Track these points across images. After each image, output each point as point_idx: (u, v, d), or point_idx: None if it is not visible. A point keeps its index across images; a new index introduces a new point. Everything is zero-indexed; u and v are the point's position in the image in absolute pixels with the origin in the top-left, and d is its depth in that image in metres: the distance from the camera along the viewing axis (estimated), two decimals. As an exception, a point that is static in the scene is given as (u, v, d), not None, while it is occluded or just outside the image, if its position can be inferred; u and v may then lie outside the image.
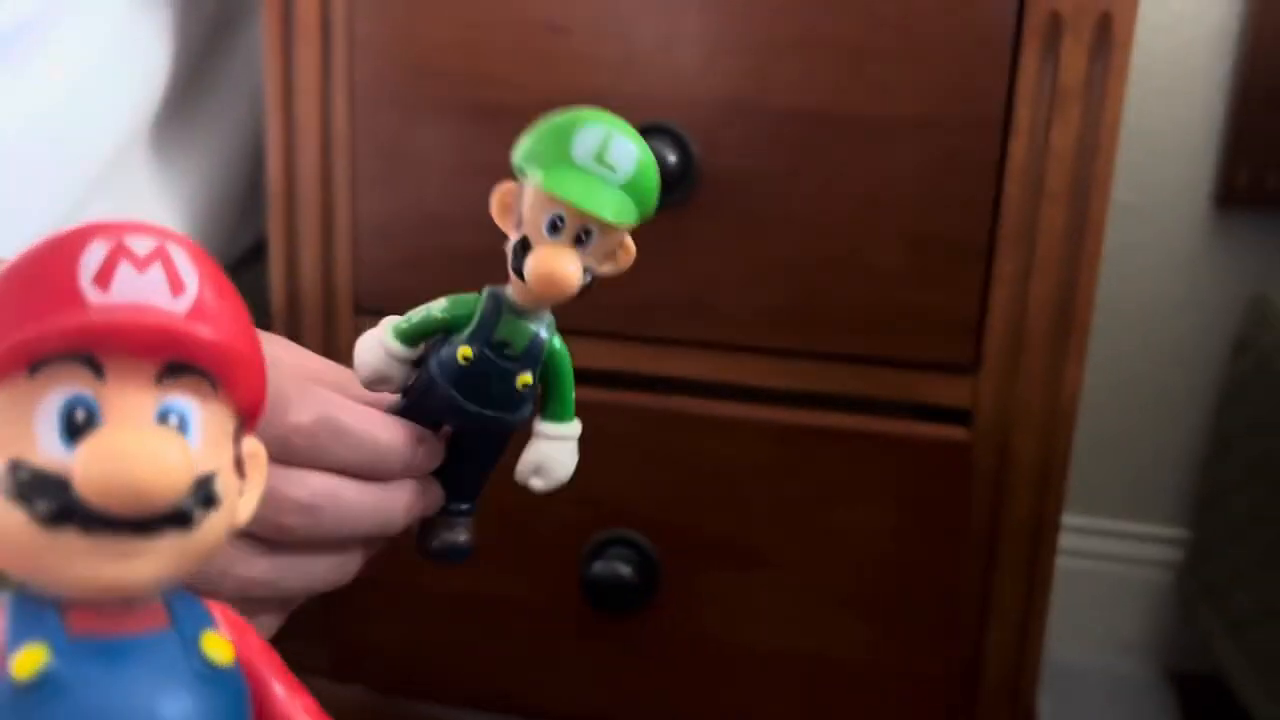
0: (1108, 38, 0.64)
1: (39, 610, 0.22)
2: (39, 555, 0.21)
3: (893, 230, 0.66)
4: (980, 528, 0.69)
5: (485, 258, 0.71)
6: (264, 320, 0.85)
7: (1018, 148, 0.65)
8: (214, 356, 0.22)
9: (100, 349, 0.21)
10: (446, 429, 0.42)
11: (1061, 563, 1.12)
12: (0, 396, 0.21)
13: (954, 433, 0.66)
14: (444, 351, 0.40)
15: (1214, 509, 1.02)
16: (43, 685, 0.20)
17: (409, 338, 0.40)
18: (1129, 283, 1.09)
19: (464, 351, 0.39)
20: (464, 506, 0.44)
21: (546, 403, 0.41)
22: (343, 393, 0.40)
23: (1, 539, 0.21)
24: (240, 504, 0.23)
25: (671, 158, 0.66)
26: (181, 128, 0.77)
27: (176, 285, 0.22)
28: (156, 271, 0.22)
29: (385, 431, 0.40)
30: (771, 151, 0.67)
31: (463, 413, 0.39)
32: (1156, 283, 1.09)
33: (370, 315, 0.74)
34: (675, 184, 0.67)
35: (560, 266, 0.36)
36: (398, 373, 0.41)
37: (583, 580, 0.69)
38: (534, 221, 0.37)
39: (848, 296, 0.67)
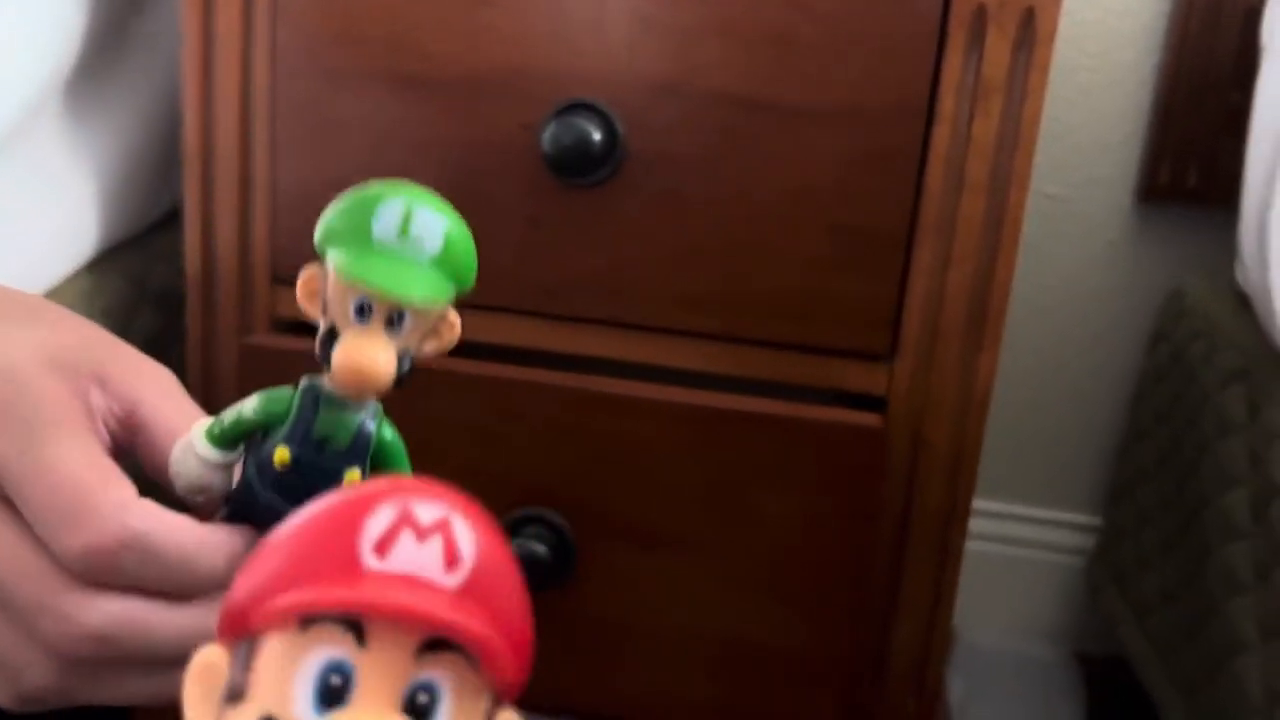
0: (1031, 32, 0.64)
1: None
2: None
3: (815, 218, 0.66)
4: (892, 513, 0.70)
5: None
6: (179, 287, 0.84)
7: (940, 139, 0.66)
8: (475, 642, 0.22)
9: (369, 618, 0.22)
10: None
11: (977, 547, 1.15)
12: (272, 648, 0.22)
13: (869, 419, 0.67)
14: (261, 454, 0.36)
15: (1125, 497, 1.04)
16: None
17: (223, 441, 0.37)
18: (1052, 273, 1.10)
19: (280, 455, 0.36)
20: None
21: None
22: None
23: None
24: None
25: (598, 136, 0.66)
26: (97, 88, 0.75)
27: (452, 560, 0.22)
28: (435, 544, 0.22)
29: (201, 547, 0.35)
30: (697, 134, 0.66)
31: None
32: (1079, 274, 1.11)
33: (288, 285, 0.73)
34: (600, 162, 0.66)
35: (368, 357, 0.33)
36: (218, 481, 0.37)
37: (496, 558, 0.69)
38: (340, 307, 0.33)
39: (768, 282, 0.68)
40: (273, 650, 0.22)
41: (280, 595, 0.22)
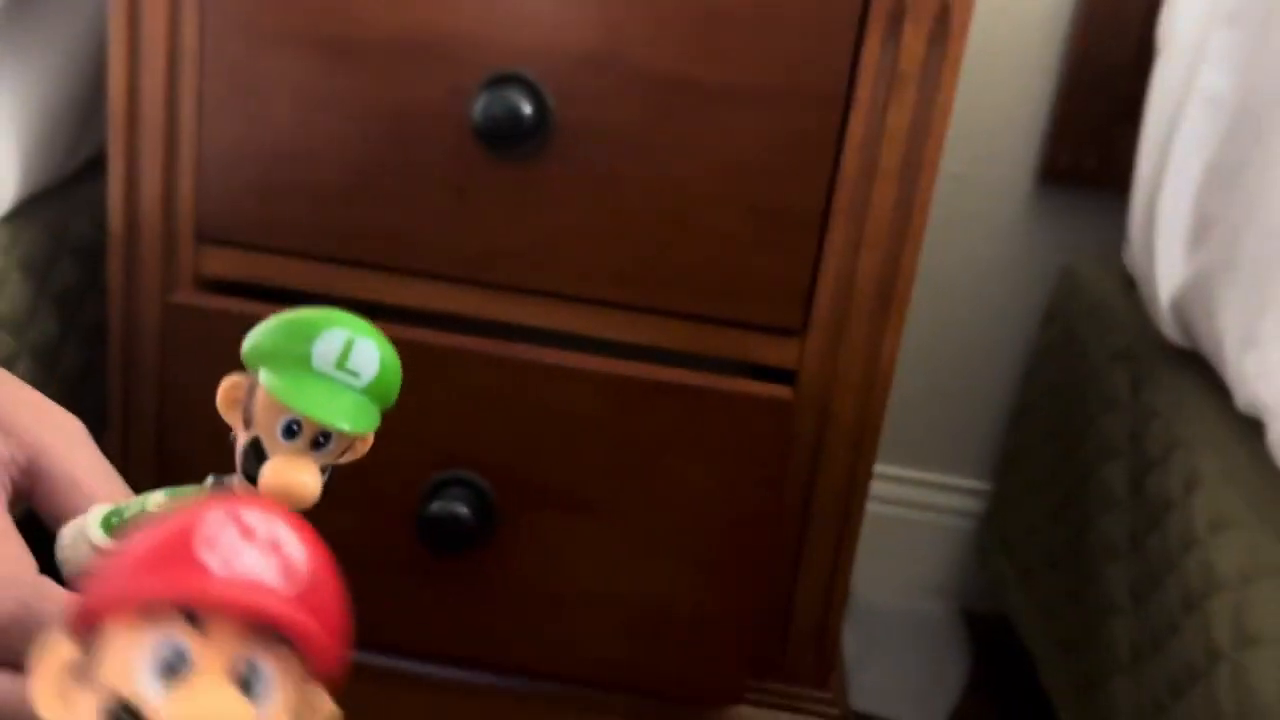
0: (946, 27, 0.67)
1: None
2: None
3: (736, 197, 0.69)
4: (798, 481, 0.74)
5: (332, 194, 0.71)
6: (100, 240, 0.83)
7: (856, 125, 0.68)
8: (303, 637, 0.25)
9: (208, 612, 0.25)
10: None
11: (873, 509, 1.20)
12: (117, 631, 0.25)
13: (779, 391, 0.70)
14: None
15: (1014, 466, 1.10)
16: None
17: (121, 532, 0.37)
18: (953, 249, 1.15)
19: None
20: None
21: None
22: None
23: None
24: None
25: (528, 109, 0.67)
26: (15, 34, 0.74)
27: (287, 569, 0.25)
28: (265, 549, 0.25)
29: None
30: (625, 109, 0.68)
31: None
32: (978, 251, 1.15)
33: (213, 245, 0.73)
34: (529, 134, 0.68)
35: (299, 481, 0.34)
36: None
37: (419, 519, 0.71)
38: (268, 425, 0.34)
39: (689, 257, 0.70)
40: (116, 636, 0.25)
41: (125, 592, 0.25)
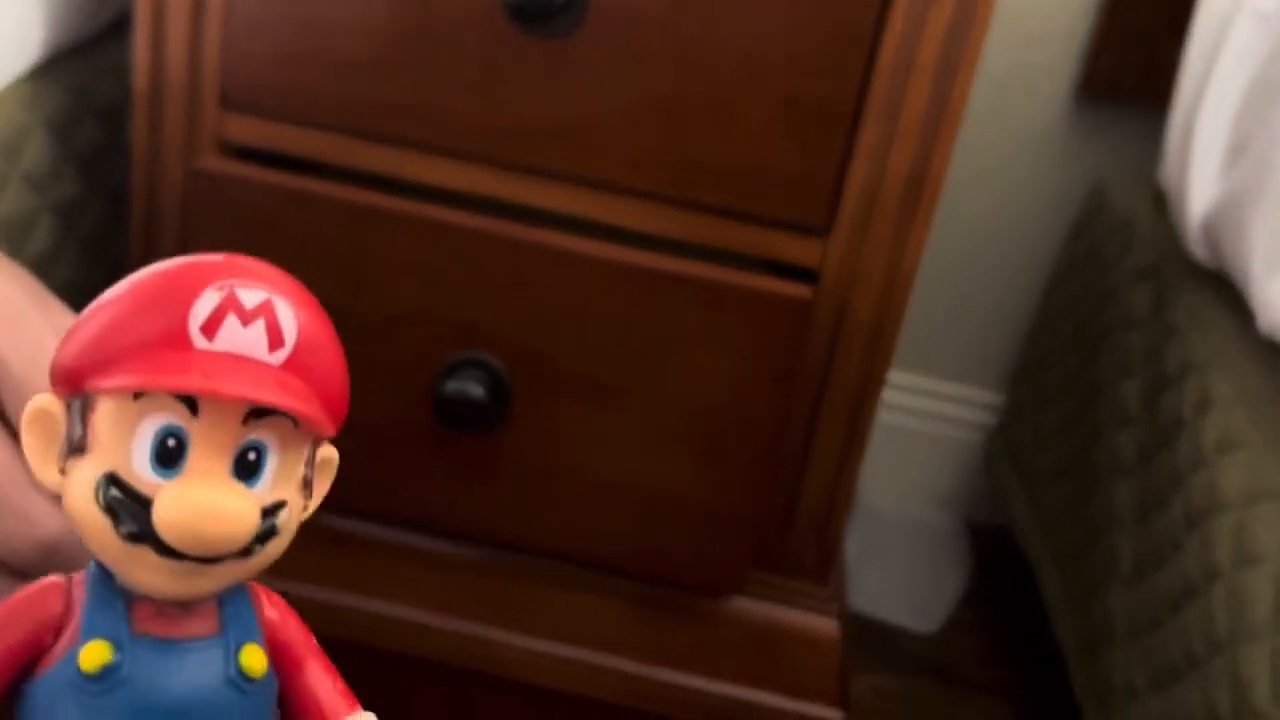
0: (994, -77, 0.65)
1: (111, 599, 0.25)
2: (117, 558, 0.24)
3: (767, 87, 0.68)
4: (812, 378, 0.74)
5: (359, 66, 0.70)
6: (124, 102, 0.82)
7: (895, 19, 0.67)
8: (297, 410, 0.24)
9: (199, 394, 0.24)
10: None
11: (883, 417, 1.20)
12: (108, 410, 0.24)
13: (800, 290, 0.70)
14: None
15: (1028, 379, 1.10)
16: (103, 678, 0.24)
17: None
18: (983, 159, 1.13)
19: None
20: None
21: None
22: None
23: (89, 536, 0.24)
24: (306, 514, 0.26)
25: (559, -13, 0.66)
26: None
27: (276, 340, 0.24)
28: (258, 327, 0.24)
29: None
30: (658, -7, 0.67)
31: None
32: (1009, 162, 1.14)
33: (237, 111, 0.73)
34: (561, 12, 0.67)
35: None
36: None
37: (435, 397, 0.72)
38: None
39: (716, 148, 0.69)
40: (108, 412, 0.24)
41: (113, 370, 0.24)
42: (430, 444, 0.74)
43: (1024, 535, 1.01)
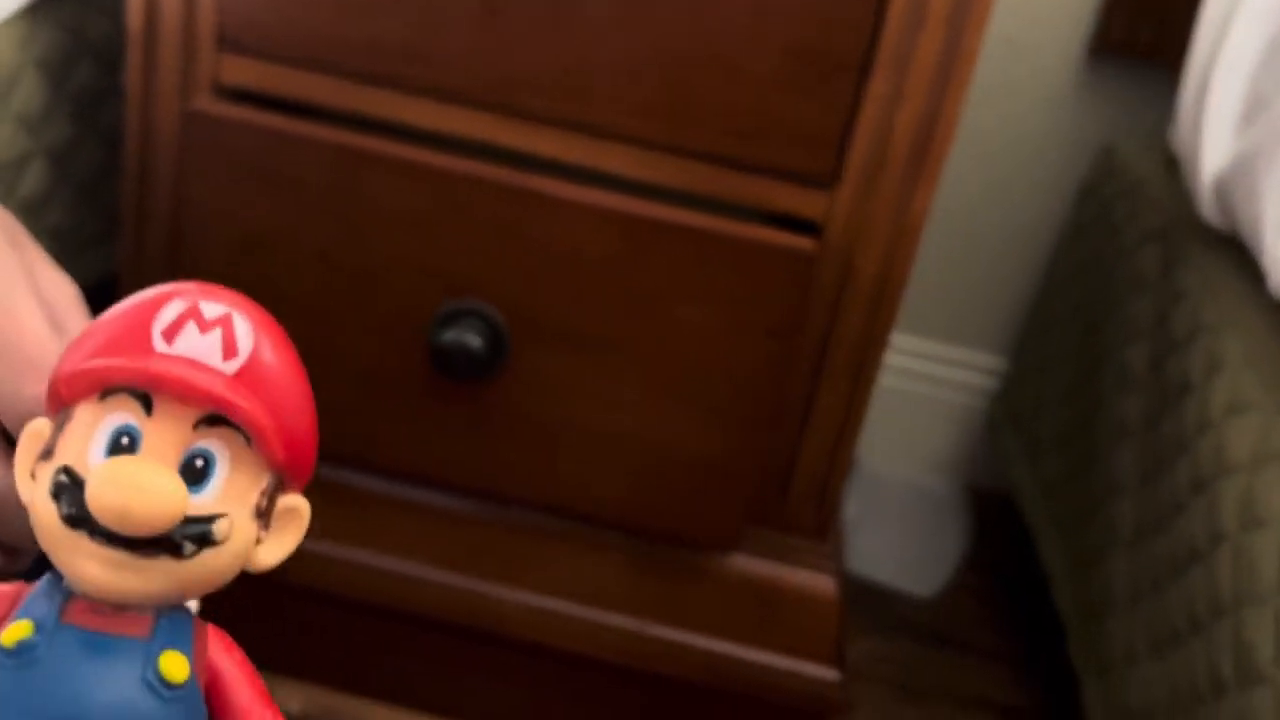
0: None
1: (52, 594, 0.26)
2: (59, 546, 0.25)
3: (774, 35, 0.66)
4: (814, 335, 0.73)
5: (356, 6, 0.68)
6: (120, 44, 0.81)
7: (906, -32, 0.65)
8: (245, 418, 0.26)
9: (154, 390, 0.25)
10: None
11: (885, 380, 1.19)
12: (77, 416, 0.26)
13: (802, 243, 0.68)
14: None
15: (1033, 343, 1.08)
16: (18, 654, 0.25)
17: None
18: (993, 117, 1.12)
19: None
20: None
21: None
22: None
23: (39, 528, 0.26)
24: (260, 551, 0.27)
25: (562, -73, 0.64)
26: None
27: (230, 350, 0.26)
28: (215, 335, 0.26)
29: None
30: (664, -64, 0.65)
31: None
32: (1019, 121, 1.12)
33: (233, 52, 0.71)
34: (563, -44, 0.65)
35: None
36: None
37: (432, 346, 0.71)
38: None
39: (720, 96, 0.68)
40: (78, 417, 0.26)
41: (80, 368, 0.26)
42: (425, 394, 0.73)
43: (1025, 501, 1.00)
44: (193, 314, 0.26)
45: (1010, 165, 1.13)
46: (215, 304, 0.26)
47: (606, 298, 0.70)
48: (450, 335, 0.70)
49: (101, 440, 0.25)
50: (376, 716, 0.82)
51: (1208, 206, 0.83)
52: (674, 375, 0.71)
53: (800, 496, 0.77)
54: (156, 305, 0.26)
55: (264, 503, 0.26)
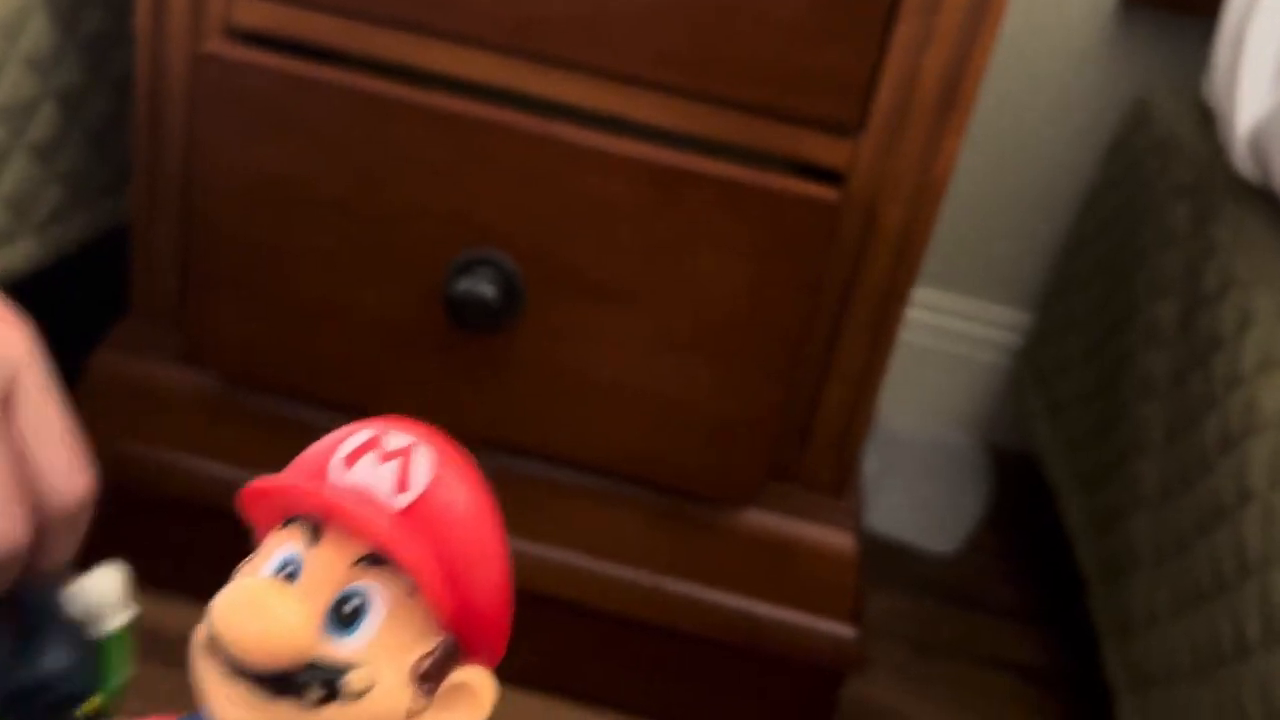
0: None
1: None
2: (199, 674, 0.24)
3: (798, -23, 0.64)
4: (835, 286, 0.71)
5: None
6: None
7: (936, -92, 0.63)
8: (404, 559, 0.23)
9: (321, 518, 0.24)
10: None
11: (907, 335, 1.17)
12: (267, 540, 0.25)
13: (825, 192, 0.67)
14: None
15: (1058, 299, 1.07)
16: None
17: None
18: (1022, 68, 1.09)
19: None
20: None
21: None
22: None
23: (192, 650, 0.24)
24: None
25: None
26: None
27: (403, 484, 0.24)
28: (392, 466, 0.24)
29: None
30: (687, -126, 0.63)
31: None
32: (1049, 73, 1.10)
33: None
34: (583, -106, 0.63)
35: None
36: None
37: (446, 295, 0.70)
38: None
39: (743, 41, 0.66)
40: (265, 545, 0.25)
41: (272, 493, 0.25)
42: (439, 344, 0.72)
43: (1047, 459, 0.99)
44: (374, 443, 0.24)
45: (1040, 118, 1.11)
46: (401, 435, 0.25)
47: (626, 247, 0.69)
48: (464, 284, 0.69)
49: (269, 570, 0.24)
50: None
51: (1242, 159, 0.81)
52: (693, 327, 0.70)
53: (819, 452, 0.76)
54: (347, 433, 0.25)
55: (428, 667, 0.23)
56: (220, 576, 0.27)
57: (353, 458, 0.24)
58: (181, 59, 0.71)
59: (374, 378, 0.74)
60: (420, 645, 0.24)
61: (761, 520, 0.77)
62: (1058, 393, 1.01)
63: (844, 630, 0.76)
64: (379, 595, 0.23)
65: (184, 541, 0.74)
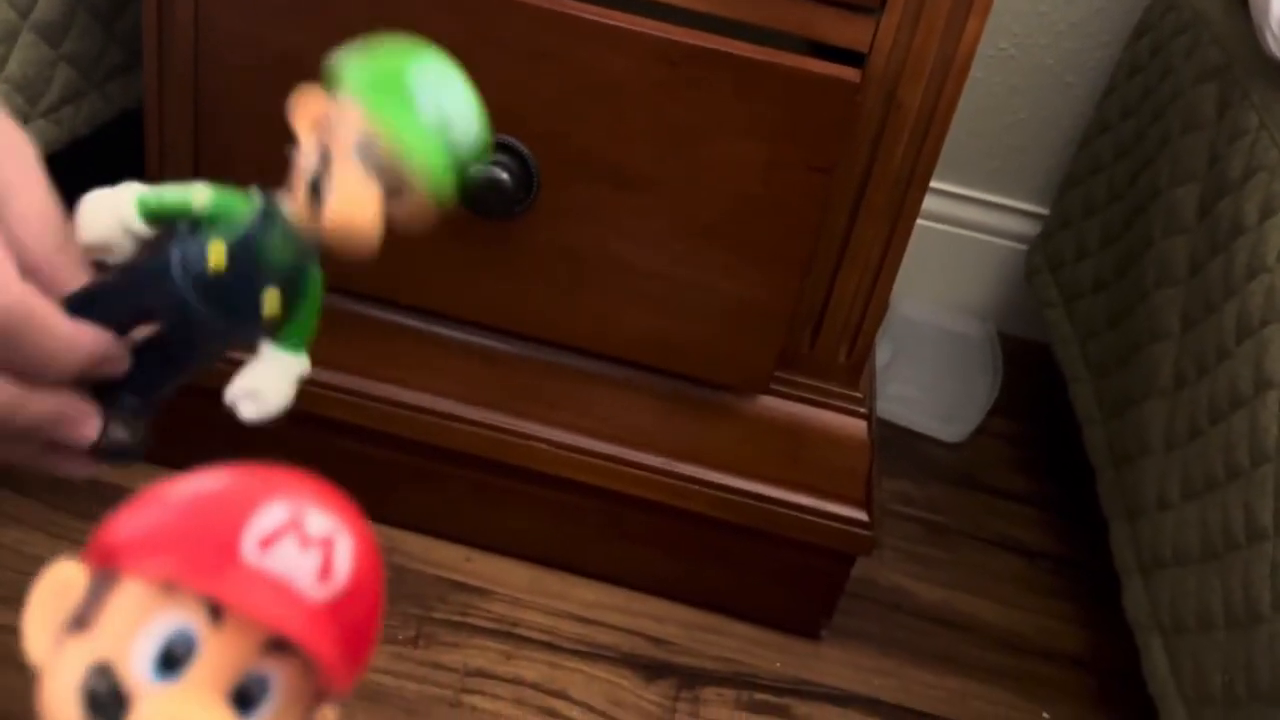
0: None
1: None
2: None
3: None
4: (854, 170, 0.70)
5: None
6: None
7: None
8: (322, 657, 0.22)
9: (233, 606, 0.22)
10: (142, 324, 0.37)
11: (922, 223, 1.16)
12: (128, 593, 0.22)
13: (846, 72, 0.65)
14: (191, 247, 0.35)
15: (1076, 188, 1.05)
16: None
17: (155, 216, 0.36)
18: (1048, -52, 1.06)
19: (217, 255, 0.34)
20: (136, 403, 0.38)
21: (285, 327, 0.37)
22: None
23: (49, 714, 0.22)
24: None
25: None
26: None
27: (325, 573, 0.23)
28: (314, 556, 0.22)
29: (66, 345, 0.34)
30: None
31: (190, 315, 0.35)
32: (1075, -48, 1.06)
33: None
34: None
35: (365, 217, 0.34)
36: (126, 248, 0.36)
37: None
38: (345, 146, 0.34)
39: (763, -86, 0.64)
40: (130, 595, 0.22)
41: (151, 553, 0.22)
42: (454, 231, 0.72)
43: (1060, 347, 0.99)
44: (294, 526, 0.23)
45: (1062, 1, 1.08)
46: (323, 516, 0.23)
47: (640, 130, 0.68)
48: (478, 169, 0.68)
49: (152, 642, 0.22)
50: (408, 544, 0.83)
51: (1274, 42, 0.79)
52: (709, 211, 0.69)
53: (833, 339, 0.76)
54: (255, 504, 0.23)
55: (307, 717, 0.24)
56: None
57: (269, 541, 0.22)
58: (185, -65, 0.70)
59: (390, 266, 0.74)
60: (301, 703, 0.24)
61: (776, 407, 0.77)
62: (1073, 280, 1.00)
63: (855, 514, 0.77)
64: (279, 679, 0.23)
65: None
